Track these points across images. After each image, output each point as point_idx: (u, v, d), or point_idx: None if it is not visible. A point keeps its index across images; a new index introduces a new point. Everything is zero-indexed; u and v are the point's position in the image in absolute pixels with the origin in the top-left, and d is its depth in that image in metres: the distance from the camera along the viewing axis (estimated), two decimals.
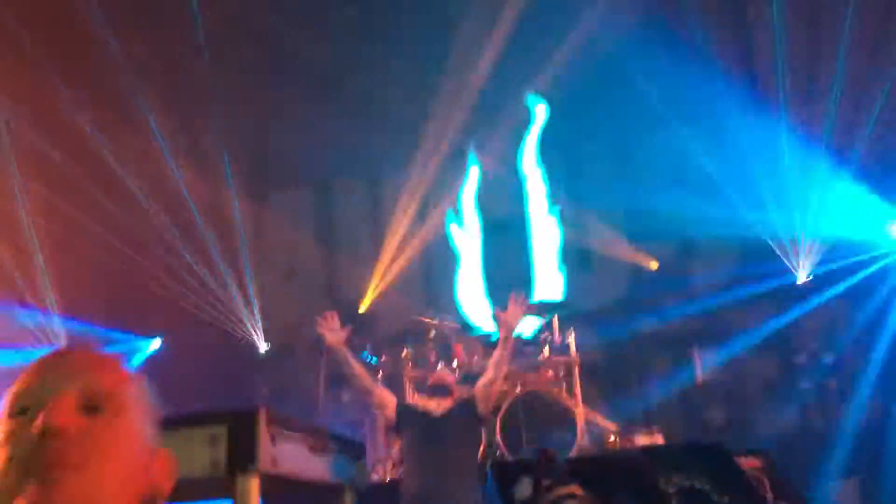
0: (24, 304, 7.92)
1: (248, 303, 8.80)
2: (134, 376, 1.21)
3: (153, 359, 8.95)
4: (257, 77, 8.76)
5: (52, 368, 1.15)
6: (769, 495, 2.51)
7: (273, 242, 9.58)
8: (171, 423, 1.94)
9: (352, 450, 2.48)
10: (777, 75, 7.68)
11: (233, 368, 8.96)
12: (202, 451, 1.90)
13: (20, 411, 1.10)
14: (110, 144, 8.17)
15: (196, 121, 8.46)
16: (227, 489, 1.93)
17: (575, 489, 2.25)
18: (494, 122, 8.71)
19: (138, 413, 1.17)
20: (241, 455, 1.92)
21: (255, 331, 8.91)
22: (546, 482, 2.40)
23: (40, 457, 1.04)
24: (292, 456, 2.11)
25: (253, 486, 1.91)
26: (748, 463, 2.80)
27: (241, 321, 8.83)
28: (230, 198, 8.70)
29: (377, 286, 9.03)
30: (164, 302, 8.60)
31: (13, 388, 1.13)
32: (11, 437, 1.07)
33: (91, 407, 1.11)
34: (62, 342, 8.17)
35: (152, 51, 8.17)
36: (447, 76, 8.69)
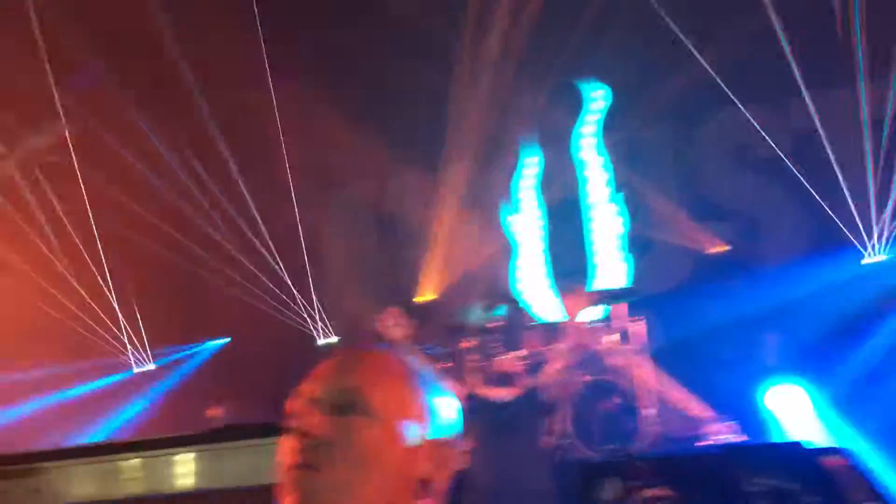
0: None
1: (308, 298, 8.89)
2: (395, 371, 1.24)
3: (222, 358, 9.09)
4: (314, 70, 8.81)
5: (319, 374, 1.23)
6: (857, 495, 2.44)
7: (332, 237, 9.64)
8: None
9: None
10: (849, 50, 7.41)
11: (299, 363, 9.04)
12: None
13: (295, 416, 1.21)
14: (168, 141, 8.33)
15: (256, 113, 8.54)
16: None
17: (664, 491, 2.21)
18: (552, 107, 8.61)
19: (391, 409, 1.19)
20: None
21: (321, 325, 9.00)
22: (634, 483, 2.36)
23: (296, 460, 1.15)
24: None
25: None
26: (832, 461, 2.72)
27: (304, 317, 8.94)
28: (289, 192, 8.78)
29: (438, 277, 9.04)
30: (229, 301, 8.75)
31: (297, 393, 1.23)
32: (286, 443, 1.18)
33: (341, 408, 1.16)
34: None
35: (211, 50, 8.28)
36: (504, 60, 8.59)
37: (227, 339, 9.25)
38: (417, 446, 1.20)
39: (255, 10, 8.10)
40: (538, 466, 5.55)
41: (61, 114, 6.46)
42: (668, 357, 7.39)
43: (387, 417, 1.18)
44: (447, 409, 1.28)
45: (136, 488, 2.15)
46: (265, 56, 8.28)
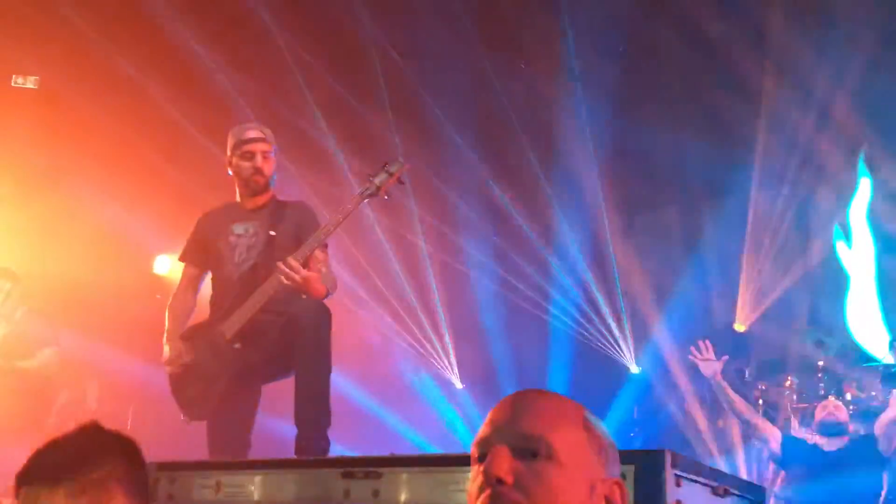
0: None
1: (619, 324, 8.84)
2: (571, 415, 1.32)
3: (526, 379, 9.27)
4: (618, 98, 8.78)
5: (498, 417, 1.32)
6: None
7: (641, 263, 9.51)
8: None
9: (753, 493, 2.36)
10: None
11: (602, 388, 9.06)
12: None
13: (479, 458, 1.29)
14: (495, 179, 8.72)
15: (571, 141, 8.68)
16: None
17: None
18: (889, 127, 7.76)
19: (573, 452, 1.27)
20: (649, 495, 1.92)
21: (626, 352, 8.92)
22: None
23: (490, 500, 1.23)
24: (696, 499, 2.06)
25: None
26: None
27: (613, 342, 8.90)
28: (601, 216, 8.82)
29: (754, 307, 8.55)
30: (535, 323, 8.95)
31: (477, 434, 1.33)
32: (474, 482, 1.28)
33: (528, 452, 1.25)
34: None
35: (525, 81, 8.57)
36: (828, 74, 7.88)
37: None
38: (596, 485, 1.27)
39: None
40: None
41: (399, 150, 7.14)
42: None
43: (570, 462, 1.25)
44: (614, 446, 1.35)
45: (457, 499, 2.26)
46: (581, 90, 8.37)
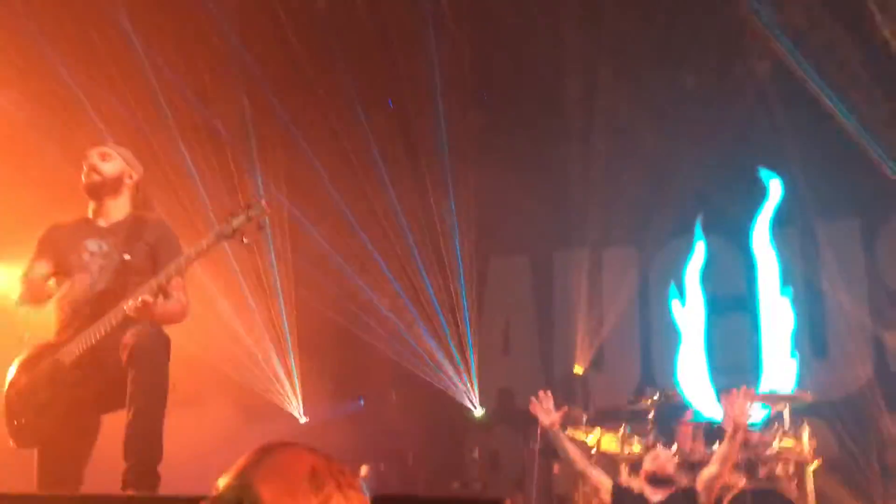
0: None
1: (466, 366, 8.97)
2: (294, 469, 1.32)
3: (371, 417, 9.22)
4: (484, 145, 9.05)
5: (230, 481, 1.32)
6: None
7: (491, 309, 9.73)
8: None
9: None
10: None
11: (445, 429, 9.15)
12: None
13: None
14: (347, 204, 8.71)
15: (432, 186, 8.82)
16: None
17: None
18: (724, 197, 8.41)
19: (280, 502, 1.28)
20: None
21: (469, 394, 9.05)
22: None
23: None
24: None
25: None
26: None
27: (456, 384, 9.02)
28: (455, 262, 8.97)
29: (593, 357, 8.93)
30: (385, 363, 8.96)
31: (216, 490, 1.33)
32: None
33: (235, 501, 1.26)
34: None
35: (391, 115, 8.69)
36: (674, 148, 8.50)
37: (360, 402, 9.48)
38: None
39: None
40: None
41: (261, 190, 7.02)
42: (837, 469, 6.90)
43: None
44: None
45: None
46: (445, 133, 8.56)
